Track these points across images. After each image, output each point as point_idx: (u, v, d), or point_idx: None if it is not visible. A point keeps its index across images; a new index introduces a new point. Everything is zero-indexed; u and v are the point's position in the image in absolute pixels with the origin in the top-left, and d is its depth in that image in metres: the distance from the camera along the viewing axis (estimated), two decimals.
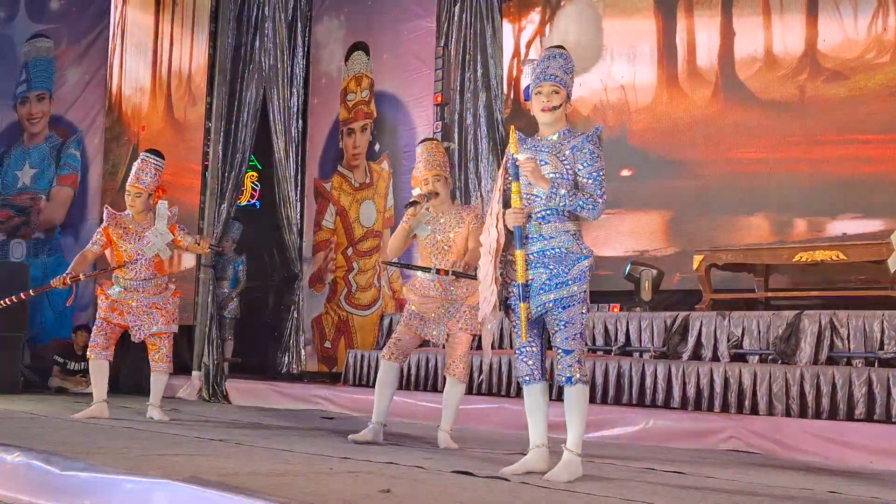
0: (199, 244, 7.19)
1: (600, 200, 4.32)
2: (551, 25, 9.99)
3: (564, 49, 4.56)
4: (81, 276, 7.07)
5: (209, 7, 11.19)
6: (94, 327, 7.10)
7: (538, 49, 9.82)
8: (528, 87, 4.58)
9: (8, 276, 10.63)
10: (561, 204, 4.30)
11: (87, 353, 7.10)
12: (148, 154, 7.29)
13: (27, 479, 4.02)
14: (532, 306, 4.35)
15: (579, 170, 4.36)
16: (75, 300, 7.45)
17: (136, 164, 7.23)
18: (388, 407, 5.85)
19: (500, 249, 4.41)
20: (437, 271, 5.72)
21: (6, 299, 7.27)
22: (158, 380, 7.21)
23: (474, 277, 5.63)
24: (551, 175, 4.35)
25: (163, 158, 7.31)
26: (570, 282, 4.33)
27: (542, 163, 4.39)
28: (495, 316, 4.47)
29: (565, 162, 4.38)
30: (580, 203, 4.30)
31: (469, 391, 7.94)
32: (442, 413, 5.84)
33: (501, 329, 8.28)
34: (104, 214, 7.26)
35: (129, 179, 7.22)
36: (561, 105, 4.43)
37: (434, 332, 5.85)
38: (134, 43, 12.56)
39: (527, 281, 4.34)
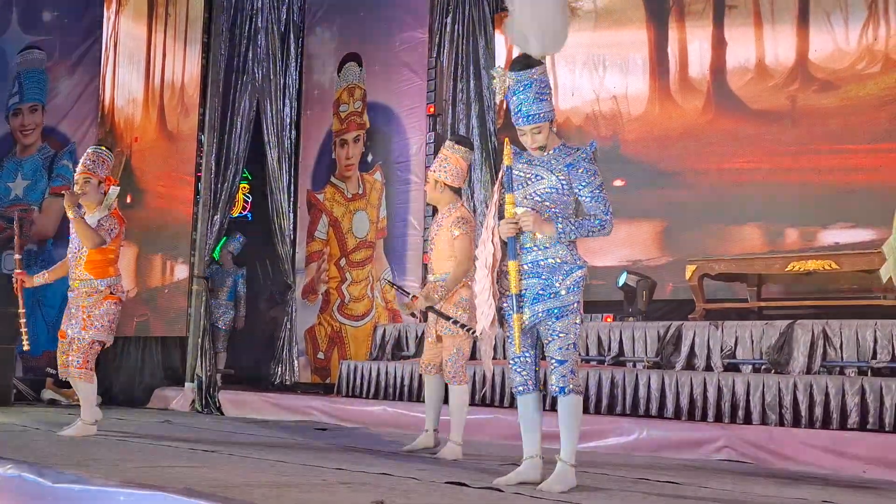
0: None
1: (607, 217, 4.33)
2: None
3: (533, 64, 4.41)
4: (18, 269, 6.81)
5: (202, 19, 11.20)
6: None
7: None
8: (506, 97, 4.48)
9: (0, 288, 10.61)
10: (573, 237, 4.31)
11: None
12: (97, 147, 6.92)
13: (19, 492, 4.01)
14: (526, 316, 4.35)
15: (579, 190, 4.35)
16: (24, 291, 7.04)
17: (84, 156, 6.78)
18: (435, 416, 6.12)
19: (496, 264, 4.41)
20: (413, 297, 6.04)
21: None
22: (75, 386, 6.64)
23: (442, 315, 5.83)
24: (547, 190, 4.36)
25: (112, 154, 6.94)
26: (563, 292, 4.33)
27: (538, 177, 4.39)
28: (493, 330, 4.48)
29: (560, 177, 4.37)
30: (591, 229, 4.31)
31: None
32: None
33: (496, 340, 8.28)
34: None
35: (77, 168, 6.74)
36: (547, 136, 4.42)
37: (429, 334, 6.09)
38: (126, 54, 12.56)
39: (520, 292, 4.34)
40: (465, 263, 5.79)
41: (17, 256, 6.99)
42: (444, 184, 5.89)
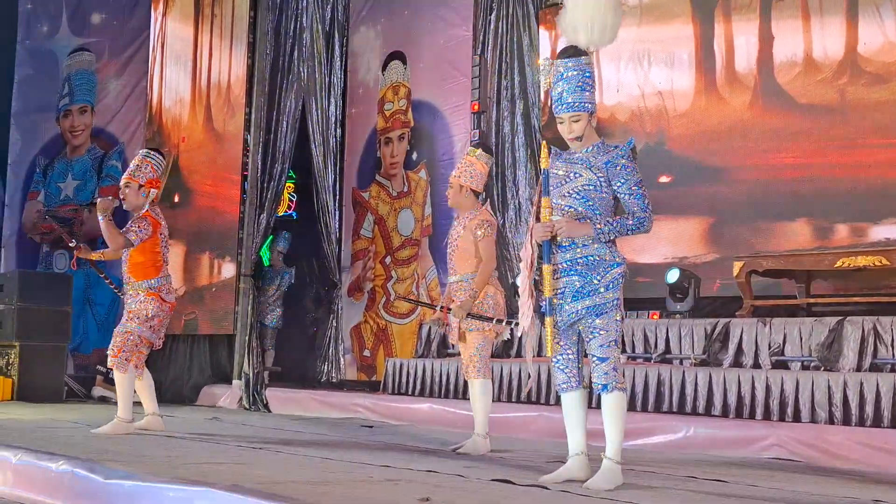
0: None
1: (646, 214, 4.31)
2: None
3: (579, 55, 4.42)
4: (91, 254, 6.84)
5: (247, 19, 11.30)
6: None
7: None
8: (550, 92, 4.54)
9: (51, 287, 10.77)
10: (612, 236, 4.31)
11: None
12: (145, 149, 6.94)
13: (71, 488, 4.07)
14: (565, 314, 4.35)
15: (618, 188, 4.34)
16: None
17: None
18: (479, 420, 5.99)
19: (533, 265, 4.42)
20: (441, 308, 6.13)
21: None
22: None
23: (482, 318, 5.89)
24: (585, 187, 4.35)
25: (162, 157, 6.87)
26: (602, 289, 4.31)
27: (576, 174, 4.38)
28: (533, 330, 4.48)
29: (598, 174, 4.35)
30: (629, 227, 4.31)
31: (509, 399, 7.95)
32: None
33: (541, 337, 8.26)
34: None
35: None
36: (585, 127, 4.41)
37: (453, 335, 6.16)
38: (174, 55, 12.69)
39: (553, 295, 4.34)
40: (490, 263, 5.98)
41: (71, 244, 7.00)
42: (470, 188, 6.09)
